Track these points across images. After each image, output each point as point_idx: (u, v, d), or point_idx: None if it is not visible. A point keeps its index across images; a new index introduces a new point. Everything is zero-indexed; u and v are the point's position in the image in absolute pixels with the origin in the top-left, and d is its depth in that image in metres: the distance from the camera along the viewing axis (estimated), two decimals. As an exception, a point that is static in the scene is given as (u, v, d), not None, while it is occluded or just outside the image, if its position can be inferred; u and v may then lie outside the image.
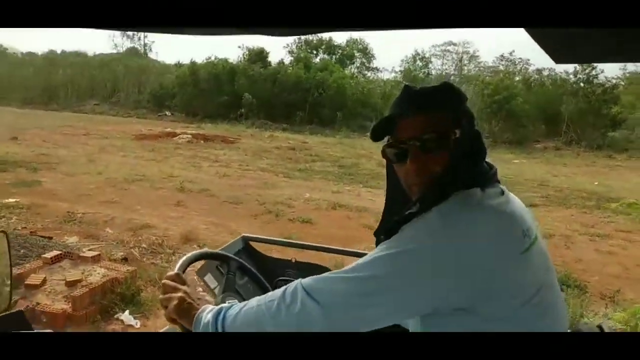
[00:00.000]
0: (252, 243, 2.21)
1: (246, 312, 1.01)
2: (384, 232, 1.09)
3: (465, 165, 1.03)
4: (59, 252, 4.24)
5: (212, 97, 24.97)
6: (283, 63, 27.05)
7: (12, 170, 10.06)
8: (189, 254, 1.47)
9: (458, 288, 0.89)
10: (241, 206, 8.13)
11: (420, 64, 34.03)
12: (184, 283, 1.21)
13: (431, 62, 34.76)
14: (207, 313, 1.07)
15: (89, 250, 4.96)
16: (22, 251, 4.61)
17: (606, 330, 1.21)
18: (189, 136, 16.41)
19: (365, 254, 1.11)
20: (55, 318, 3.26)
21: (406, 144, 1.05)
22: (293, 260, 2.08)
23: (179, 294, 1.15)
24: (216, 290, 1.78)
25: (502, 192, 1.03)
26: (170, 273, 1.24)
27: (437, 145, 1.02)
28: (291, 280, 1.82)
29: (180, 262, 1.40)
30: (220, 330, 1.02)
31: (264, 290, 1.60)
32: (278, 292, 1.01)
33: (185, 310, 1.12)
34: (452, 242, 0.90)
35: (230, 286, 1.52)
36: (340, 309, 0.93)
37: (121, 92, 28.20)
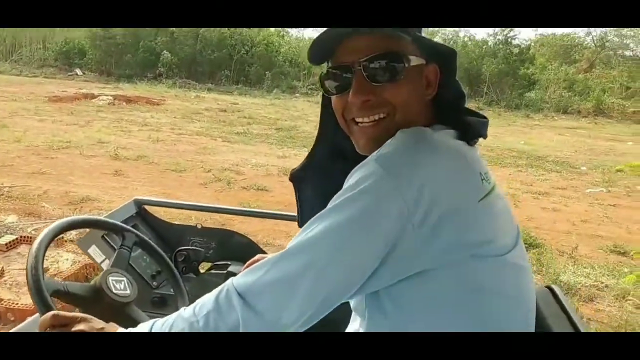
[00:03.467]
0: (147, 207, 1.91)
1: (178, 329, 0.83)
2: (309, 171, 1.12)
3: (424, 104, 0.92)
4: (13, 237, 3.73)
5: (128, 55, 23.25)
6: (204, 19, 25.64)
7: None
8: (60, 221, 1.20)
9: (414, 248, 0.74)
10: (185, 174, 7.69)
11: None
12: (68, 321, 0.92)
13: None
14: None
15: (36, 231, 4.43)
16: (-40, 236, 4.01)
17: (557, 291, 1.17)
18: (110, 97, 15.22)
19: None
20: (25, 315, 2.85)
21: (349, 68, 0.87)
22: (198, 226, 1.82)
23: (80, 327, 0.90)
24: (103, 265, 1.58)
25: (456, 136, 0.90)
26: (45, 319, 0.92)
27: (389, 73, 0.86)
28: (195, 251, 1.70)
29: (48, 231, 1.14)
30: None
31: (160, 263, 1.39)
32: (208, 301, 0.83)
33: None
34: (403, 184, 0.74)
35: (122, 262, 1.30)
36: (280, 314, 0.77)
37: (23, 48, 25.39)
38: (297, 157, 9.42)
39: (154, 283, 1.64)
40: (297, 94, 21.49)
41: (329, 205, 0.78)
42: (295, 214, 1.96)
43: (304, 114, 15.64)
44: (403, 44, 0.86)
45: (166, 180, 7.28)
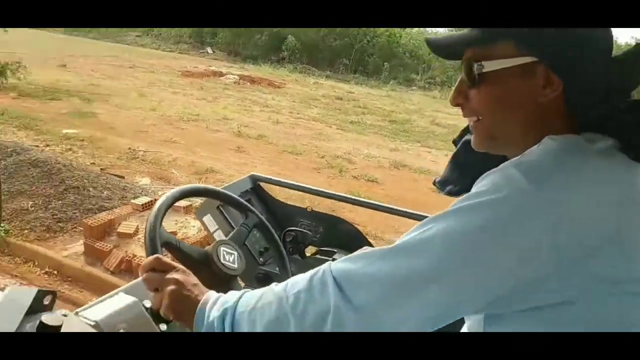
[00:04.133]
0: (262, 184, 1.91)
1: (263, 312, 0.79)
2: (450, 181, 1.00)
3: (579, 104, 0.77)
4: (149, 200, 4.11)
5: (255, 37, 24.33)
6: (329, 6, 26.00)
7: (65, 99, 9.96)
8: (186, 186, 1.26)
9: (554, 274, 0.64)
10: (301, 157, 7.92)
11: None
12: (167, 267, 0.95)
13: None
14: (209, 310, 0.85)
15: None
16: (105, 192, 4.51)
17: None
18: (236, 77, 16.07)
19: (420, 217, 0.91)
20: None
21: (480, 62, 0.79)
22: (309, 209, 1.81)
23: (170, 288, 0.90)
24: (215, 235, 1.62)
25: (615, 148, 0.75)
26: (148, 261, 0.97)
27: (468, 78, 0.81)
28: (303, 233, 1.67)
29: (174, 192, 1.20)
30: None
31: (270, 241, 1.40)
32: (302, 280, 0.78)
33: (181, 306, 0.89)
34: (550, 201, 0.65)
35: (239, 239, 1.32)
36: (382, 313, 0.70)
37: (163, 24, 27.67)
38: (409, 151, 9.29)
39: (261, 259, 1.67)
40: (414, 87, 21.13)
41: (452, 207, 0.70)
42: (404, 209, 1.92)
43: (419, 108, 15.35)
44: (484, 48, 0.79)
45: (283, 161, 7.56)
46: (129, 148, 7.04)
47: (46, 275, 3.74)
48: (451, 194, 1.04)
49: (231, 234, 1.36)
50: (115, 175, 5.50)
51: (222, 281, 1.15)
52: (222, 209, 1.66)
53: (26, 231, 4.05)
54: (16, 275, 3.66)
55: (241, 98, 12.83)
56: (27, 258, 3.84)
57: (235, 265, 1.18)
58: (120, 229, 3.59)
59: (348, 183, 6.86)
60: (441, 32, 25.42)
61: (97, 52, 19.01)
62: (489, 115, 0.81)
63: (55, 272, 3.76)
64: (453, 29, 0.87)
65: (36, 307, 0.72)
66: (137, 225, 3.63)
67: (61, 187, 4.51)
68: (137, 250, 3.51)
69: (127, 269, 3.40)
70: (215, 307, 0.84)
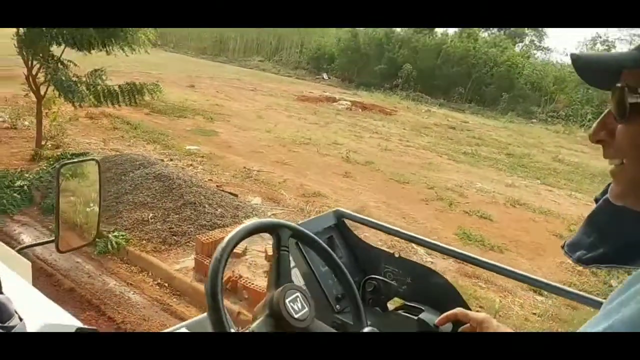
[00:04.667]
0: (346, 221, 1.72)
1: None
2: (582, 245, 0.81)
3: None
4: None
5: (371, 64, 24.58)
6: (447, 34, 25.63)
7: (191, 117, 10.72)
8: (259, 220, 1.14)
9: None
10: (408, 187, 7.72)
11: (602, 48, 30.05)
12: None
13: (614, 47, 30.51)
14: None
15: (275, 215, 4.93)
16: (219, 210, 4.70)
17: None
18: (348, 103, 16.29)
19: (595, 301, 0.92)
20: (259, 297, 3.16)
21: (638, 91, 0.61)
22: (396, 255, 1.58)
23: None
24: (292, 273, 1.38)
25: None
26: None
27: (617, 109, 0.62)
28: (387, 284, 1.47)
29: (249, 226, 1.08)
30: None
31: (347, 288, 1.23)
32: None
33: None
34: None
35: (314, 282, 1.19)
36: None
37: (284, 51, 29.03)
38: (527, 188, 8.67)
39: (337, 306, 1.52)
40: (534, 120, 19.90)
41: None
42: (538, 278, 1.57)
43: (539, 142, 14.38)
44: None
45: (389, 189, 7.42)
46: (244, 167, 7.35)
47: (157, 287, 3.93)
48: (581, 262, 0.87)
49: (306, 277, 1.26)
50: (229, 192, 5.74)
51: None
52: (300, 245, 1.53)
53: (144, 241, 4.32)
54: (131, 284, 3.90)
55: (352, 124, 12.94)
56: (142, 267, 4.09)
57: (307, 309, 1.04)
58: (230, 248, 3.69)
59: (458, 218, 6.53)
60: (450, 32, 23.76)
61: (223, 74, 20.39)
62: (636, 159, 0.63)
63: (166, 284, 3.95)
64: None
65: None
66: (246, 246, 3.70)
67: (180, 201, 4.78)
68: (244, 270, 3.57)
69: (232, 289, 3.46)
70: None
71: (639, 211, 0.65)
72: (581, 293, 1.42)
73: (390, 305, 1.55)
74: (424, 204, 6.97)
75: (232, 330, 0.94)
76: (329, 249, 1.23)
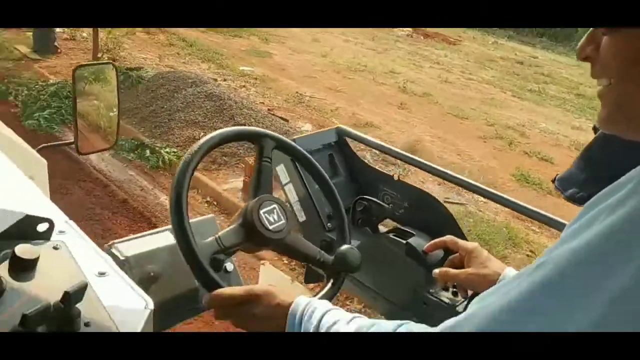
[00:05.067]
0: (349, 140, 1.66)
1: None
2: (574, 181, 0.77)
3: None
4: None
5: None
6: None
7: (246, 37, 10.48)
8: (246, 127, 1.14)
9: None
10: (467, 122, 7.36)
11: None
12: (233, 300, 0.83)
13: None
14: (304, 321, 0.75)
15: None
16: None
17: None
18: (410, 29, 15.48)
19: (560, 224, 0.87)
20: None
21: None
22: (395, 177, 1.52)
23: (249, 326, 0.82)
24: (286, 188, 1.48)
25: None
26: (209, 301, 0.85)
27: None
28: (378, 205, 1.45)
29: (228, 130, 1.06)
30: None
31: (334, 205, 1.19)
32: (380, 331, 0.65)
33: (269, 322, 0.80)
34: None
35: (307, 198, 1.27)
36: None
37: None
38: (596, 133, 8.09)
39: (329, 224, 1.47)
40: (612, 59, 18.38)
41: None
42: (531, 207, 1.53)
43: (614, 84, 13.32)
44: None
45: (446, 124, 7.10)
46: (297, 92, 7.18)
47: (206, 204, 3.98)
48: (573, 199, 0.81)
49: (299, 193, 1.27)
50: (280, 117, 5.64)
51: (278, 245, 1.02)
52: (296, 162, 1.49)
53: (195, 159, 4.33)
54: (181, 200, 3.95)
55: (412, 52, 12.34)
56: (192, 185, 4.12)
57: (283, 221, 1.02)
58: (276, 172, 3.66)
59: (517, 159, 6.21)
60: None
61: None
62: (623, 76, 0.52)
63: (215, 202, 3.98)
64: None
65: (20, 233, 0.65)
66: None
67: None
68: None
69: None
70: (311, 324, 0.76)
71: (632, 140, 0.54)
72: None
73: (384, 227, 1.52)
74: (481, 141, 6.65)
75: (195, 240, 0.90)
76: (316, 164, 1.19)
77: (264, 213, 1.00)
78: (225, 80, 7.06)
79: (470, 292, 1.16)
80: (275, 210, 1.02)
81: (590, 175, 0.76)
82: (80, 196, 3.84)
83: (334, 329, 0.70)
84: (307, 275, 1.56)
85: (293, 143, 1.19)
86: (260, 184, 1.07)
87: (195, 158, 0.97)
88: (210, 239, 0.96)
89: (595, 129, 0.75)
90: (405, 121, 6.91)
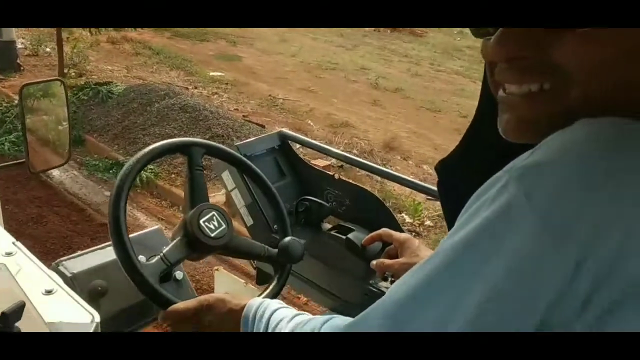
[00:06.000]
0: (291, 143, 1.71)
1: None
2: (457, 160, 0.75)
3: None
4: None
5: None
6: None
7: (213, 41, 10.36)
8: (173, 140, 1.14)
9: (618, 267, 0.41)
10: (440, 115, 7.45)
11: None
12: (186, 316, 0.87)
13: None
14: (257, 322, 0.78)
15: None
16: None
17: None
18: (376, 23, 15.55)
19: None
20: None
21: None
22: (336, 176, 1.58)
23: (208, 319, 0.84)
24: (233, 194, 1.52)
25: None
26: (163, 317, 0.90)
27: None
28: (319, 204, 1.51)
29: (157, 146, 1.08)
30: None
31: (275, 208, 1.28)
32: (308, 327, 0.67)
33: (223, 328, 0.83)
34: (557, 230, 0.41)
35: (253, 204, 1.35)
36: None
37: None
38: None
39: (275, 227, 1.49)
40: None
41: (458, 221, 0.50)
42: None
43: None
44: None
45: (420, 118, 7.16)
46: (269, 95, 7.14)
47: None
48: (448, 188, 0.80)
49: (245, 199, 1.34)
50: (256, 123, 5.59)
51: (223, 250, 1.07)
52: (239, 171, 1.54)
53: (174, 175, 4.27)
54: (162, 219, 3.89)
55: (380, 47, 12.39)
56: (172, 202, 4.06)
57: (224, 226, 1.05)
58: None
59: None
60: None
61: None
62: (583, 82, 0.51)
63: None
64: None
65: None
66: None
67: (207, 134, 4.67)
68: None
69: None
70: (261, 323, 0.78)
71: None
72: None
73: (329, 224, 1.57)
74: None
75: (138, 260, 0.93)
76: (251, 165, 1.24)
77: (203, 222, 1.02)
78: (196, 88, 6.96)
79: None
80: (214, 217, 1.04)
81: (468, 162, 0.73)
82: (57, 224, 3.75)
83: (278, 328, 0.72)
84: (258, 277, 1.61)
85: (223, 147, 1.23)
86: (195, 193, 1.09)
87: (129, 179, 1.00)
88: (156, 259, 0.98)
89: (438, 170, 0.75)
90: (380, 118, 6.95)
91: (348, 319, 0.61)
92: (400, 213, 4.12)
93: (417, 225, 4.05)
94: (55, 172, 4.46)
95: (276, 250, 1.13)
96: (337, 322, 0.64)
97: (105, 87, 5.55)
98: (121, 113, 5.11)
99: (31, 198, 4.01)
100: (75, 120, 5.01)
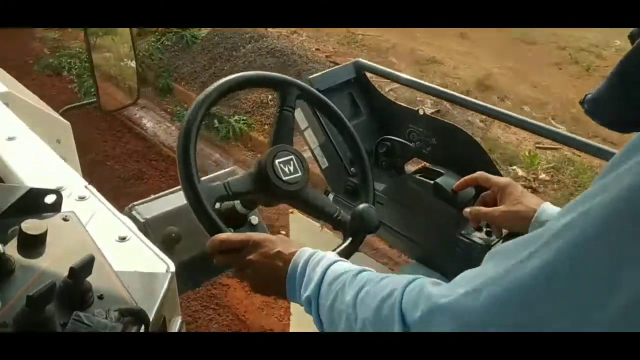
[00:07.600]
0: (368, 74, 1.54)
1: (336, 320, 0.67)
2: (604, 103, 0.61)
3: None
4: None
5: None
6: None
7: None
8: (268, 73, 1.10)
9: None
10: (536, 48, 6.80)
11: None
12: (237, 245, 0.84)
13: None
14: (299, 289, 0.75)
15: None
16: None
17: None
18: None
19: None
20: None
21: None
22: (420, 112, 1.40)
23: (249, 271, 0.82)
24: (306, 133, 1.43)
25: None
26: (212, 244, 0.86)
27: None
28: (402, 144, 1.36)
29: (250, 75, 1.04)
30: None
31: (353, 150, 1.20)
32: (371, 303, 0.61)
33: (268, 287, 0.83)
34: None
35: (328, 144, 1.30)
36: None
37: None
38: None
39: (352, 169, 1.39)
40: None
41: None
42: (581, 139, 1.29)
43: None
44: None
45: (514, 52, 6.58)
46: (348, 31, 6.75)
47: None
48: (605, 124, 0.65)
49: (320, 138, 1.28)
50: (335, 63, 5.31)
51: (291, 198, 1.01)
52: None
53: (267, 126, 4.14)
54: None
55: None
56: (250, 145, 3.96)
57: (299, 174, 1.01)
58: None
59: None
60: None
61: None
62: None
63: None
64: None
65: (27, 207, 0.64)
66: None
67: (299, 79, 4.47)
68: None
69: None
70: (303, 286, 0.75)
71: None
72: None
73: (412, 167, 1.44)
74: (556, 68, 6.15)
75: (199, 181, 0.90)
76: (337, 111, 1.17)
77: (279, 163, 0.98)
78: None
79: (505, 231, 1.11)
80: (292, 161, 0.99)
81: (623, 95, 0.61)
82: (157, 179, 3.76)
83: (340, 280, 0.69)
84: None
85: (318, 93, 1.15)
86: (279, 133, 1.04)
87: (209, 99, 0.93)
88: (217, 182, 0.95)
89: (632, 38, 0.59)
90: (470, 52, 6.45)
91: (437, 284, 0.57)
92: (511, 166, 3.82)
93: (532, 180, 3.75)
94: (148, 124, 4.45)
95: (349, 216, 1.04)
96: (426, 290, 0.56)
97: (188, 31, 5.39)
98: (207, 59, 4.97)
99: (129, 152, 4.02)
100: (161, 68, 4.94)
